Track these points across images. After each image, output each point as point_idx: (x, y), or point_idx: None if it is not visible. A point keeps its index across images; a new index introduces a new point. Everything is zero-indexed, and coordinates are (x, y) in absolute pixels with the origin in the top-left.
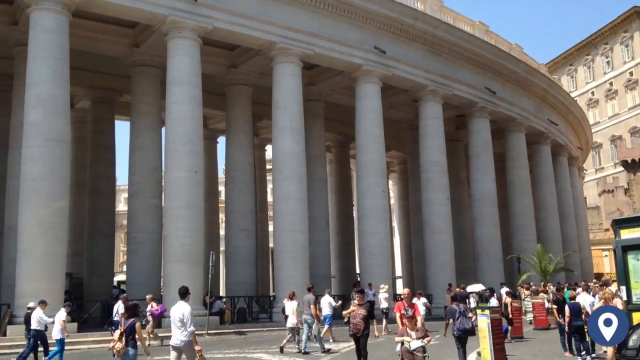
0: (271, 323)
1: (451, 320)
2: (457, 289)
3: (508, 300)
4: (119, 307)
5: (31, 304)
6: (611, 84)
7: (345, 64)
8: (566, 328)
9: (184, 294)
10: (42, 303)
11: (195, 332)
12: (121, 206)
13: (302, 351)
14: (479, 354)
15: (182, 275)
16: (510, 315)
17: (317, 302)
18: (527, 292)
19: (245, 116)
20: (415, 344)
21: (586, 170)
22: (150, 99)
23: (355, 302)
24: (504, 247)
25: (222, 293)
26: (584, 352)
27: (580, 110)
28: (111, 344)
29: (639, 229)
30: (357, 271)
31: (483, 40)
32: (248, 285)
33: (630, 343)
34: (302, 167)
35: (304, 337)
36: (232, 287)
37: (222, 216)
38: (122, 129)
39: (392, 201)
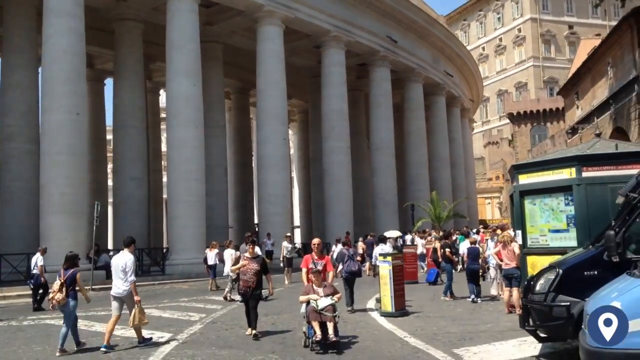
0: (163, 276)
1: (340, 263)
2: (368, 236)
3: (437, 244)
4: (37, 260)
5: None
6: (501, 39)
7: (246, 3)
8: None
9: (128, 243)
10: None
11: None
12: None
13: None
14: (377, 300)
15: (63, 227)
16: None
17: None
18: (429, 238)
19: (136, 55)
20: (323, 302)
21: (475, 122)
22: (25, 31)
23: (247, 255)
24: (399, 196)
25: (110, 246)
26: (473, 296)
27: (474, 63)
28: (50, 295)
29: (536, 174)
30: (256, 221)
31: None
32: (139, 237)
33: (537, 287)
34: (198, 112)
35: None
36: (121, 239)
37: (111, 165)
38: None
39: (292, 151)
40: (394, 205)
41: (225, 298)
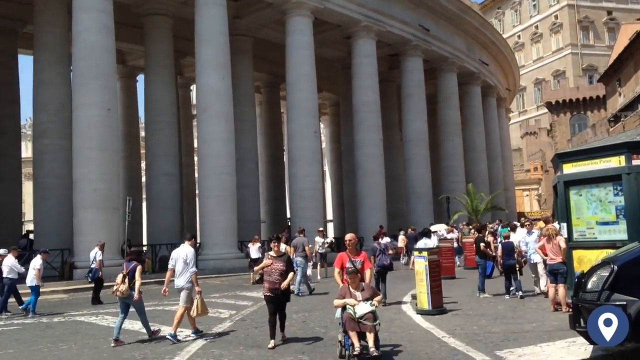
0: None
1: (372, 256)
2: (409, 230)
3: (490, 238)
4: (95, 254)
5: (1, 251)
6: (537, 27)
7: None
8: (499, 267)
9: (190, 237)
10: (14, 250)
11: (112, 284)
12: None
13: (296, 293)
14: (413, 297)
15: (95, 222)
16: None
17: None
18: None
19: (166, 50)
20: (361, 308)
21: (512, 112)
22: (56, 28)
23: (271, 253)
24: (433, 189)
25: (145, 241)
26: (513, 289)
27: (510, 51)
28: (114, 287)
29: (582, 163)
30: (288, 215)
31: None
32: (172, 232)
33: (589, 285)
34: (228, 106)
35: (297, 278)
36: (155, 234)
37: (144, 162)
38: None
39: (324, 145)
40: (428, 197)
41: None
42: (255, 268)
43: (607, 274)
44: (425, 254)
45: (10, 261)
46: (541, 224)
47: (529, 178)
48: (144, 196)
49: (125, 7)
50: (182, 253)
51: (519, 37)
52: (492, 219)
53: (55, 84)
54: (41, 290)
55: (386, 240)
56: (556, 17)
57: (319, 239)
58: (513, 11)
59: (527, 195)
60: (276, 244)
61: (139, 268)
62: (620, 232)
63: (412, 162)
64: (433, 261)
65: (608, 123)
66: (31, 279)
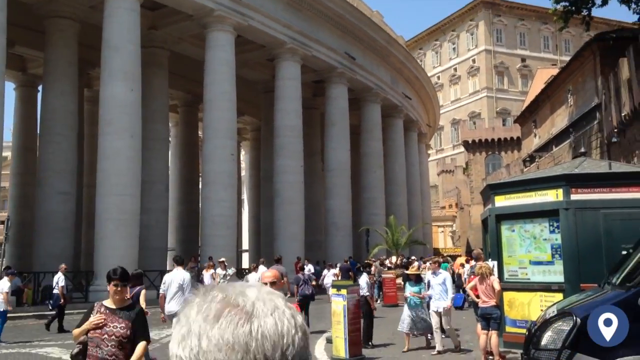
0: (86, 304)
1: (295, 286)
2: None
3: (460, 268)
4: (58, 279)
5: None
6: (455, 69)
7: (195, 5)
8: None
9: (182, 261)
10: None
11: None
12: None
13: None
14: (328, 340)
15: None
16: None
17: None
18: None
19: (69, 57)
20: None
21: (431, 149)
22: None
23: (106, 303)
24: (353, 220)
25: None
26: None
27: (432, 88)
28: None
29: (515, 195)
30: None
31: (346, 0)
32: (63, 258)
33: (544, 341)
34: (136, 120)
35: None
36: (43, 260)
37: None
38: None
39: (244, 172)
40: (348, 229)
41: None
42: (74, 331)
43: (568, 328)
44: (344, 292)
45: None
46: (460, 260)
47: (444, 215)
48: None
49: (25, 7)
50: (178, 277)
51: (438, 77)
52: (411, 254)
53: None
54: None
55: (309, 268)
56: (474, 61)
57: (220, 272)
58: (434, 52)
59: (442, 231)
60: (116, 284)
61: (143, 292)
62: (555, 273)
63: (333, 192)
64: (352, 300)
65: (523, 163)
66: None
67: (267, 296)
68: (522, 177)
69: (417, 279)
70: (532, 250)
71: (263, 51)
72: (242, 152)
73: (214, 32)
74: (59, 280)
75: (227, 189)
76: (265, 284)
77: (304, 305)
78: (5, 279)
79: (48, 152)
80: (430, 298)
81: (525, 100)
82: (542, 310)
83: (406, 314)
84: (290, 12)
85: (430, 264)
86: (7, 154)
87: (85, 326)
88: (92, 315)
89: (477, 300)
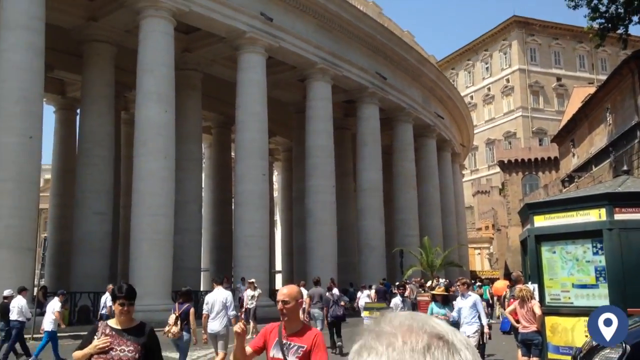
0: None
1: (325, 307)
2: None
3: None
4: (106, 299)
5: (6, 292)
6: (489, 89)
7: (227, 28)
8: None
9: (222, 280)
10: (24, 290)
11: None
12: None
13: None
14: None
15: (6, 264)
16: None
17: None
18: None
19: (106, 79)
20: None
21: (465, 169)
22: None
23: (111, 324)
24: (386, 242)
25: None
26: None
27: (465, 107)
28: (166, 328)
29: (556, 215)
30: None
31: (376, 21)
32: (98, 278)
33: None
34: (169, 142)
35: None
36: (79, 280)
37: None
38: None
39: (276, 194)
40: (381, 250)
41: None
42: (75, 354)
43: (617, 356)
44: (377, 314)
45: (19, 302)
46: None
47: (480, 237)
48: None
49: (64, 32)
50: (221, 297)
51: (471, 97)
52: (447, 276)
53: None
54: None
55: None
56: (508, 80)
57: (249, 292)
58: (466, 72)
59: (479, 254)
60: (121, 303)
61: (191, 310)
62: (600, 297)
63: (366, 213)
64: None
65: (561, 183)
66: (47, 323)
67: (452, 328)
68: (563, 196)
69: (444, 300)
70: (574, 272)
71: (294, 72)
72: (275, 173)
73: (246, 53)
74: (106, 300)
75: (259, 209)
76: (278, 301)
77: (334, 326)
78: (56, 298)
79: (85, 174)
80: (454, 320)
81: (562, 119)
82: (587, 336)
83: None
84: (321, 33)
85: (459, 285)
86: (48, 176)
87: (88, 350)
88: (95, 337)
89: (516, 325)
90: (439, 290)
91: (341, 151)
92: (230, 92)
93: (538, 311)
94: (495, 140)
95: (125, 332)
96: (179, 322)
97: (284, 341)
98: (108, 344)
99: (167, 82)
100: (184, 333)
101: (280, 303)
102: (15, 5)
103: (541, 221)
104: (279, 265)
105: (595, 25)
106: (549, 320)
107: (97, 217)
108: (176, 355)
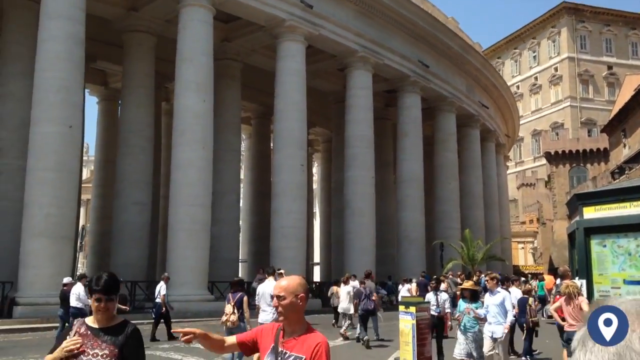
0: None
1: (357, 300)
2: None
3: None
4: (160, 288)
5: (66, 280)
6: (536, 78)
7: (267, 16)
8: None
9: (272, 272)
10: (84, 278)
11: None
12: None
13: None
14: None
15: (45, 253)
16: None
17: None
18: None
19: (146, 69)
20: None
21: (510, 160)
22: (24, 38)
23: (88, 321)
24: (426, 234)
25: None
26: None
27: (511, 96)
28: (224, 317)
29: (608, 206)
30: None
31: (419, 7)
32: (137, 267)
33: None
34: (208, 131)
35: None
36: (119, 269)
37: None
38: None
39: (315, 185)
40: (421, 243)
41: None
42: (46, 358)
43: None
44: (413, 309)
45: (78, 289)
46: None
47: (524, 230)
48: None
49: (106, 22)
50: (270, 288)
51: (517, 87)
52: (488, 270)
53: (17, 98)
54: None
55: (355, 284)
56: (556, 69)
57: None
58: (513, 61)
59: (522, 248)
60: (99, 298)
61: (245, 298)
62: None
63: (406, 204)
64: (422, 319)
65: (611, 175)
66: None
67: None
68: (615, 186)
69: (473, 296)
70: (626, 268)
71: (334, 61)
72: (315, 164)
73: (285, 42)
74: (160, 289)
75: (297, 200)
76: (272, 297)
77: (365, 318)
78: (162, 282)
79: (125, 164)
80: (483, 316)
81: (612, 109)
82: None
83: (461, 338)
84: (361, 20)
85: (487, 280)
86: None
87: (56, 353)
88: (69, 336)
89: (562, 323)
90: (467, 285)
91: (381, 142)
92: (270, 82)
93: (586, 308)
94: (542, 131)
95: (102, 332)
96: (236, 311)
97: (280, 349)
98: (78, 345)
99: (206, 72)
100: (240, 322)
101: (275, 299)
102: None
103: (591, 213)
104: (317, 258)
105: None
106: None
107: (136, 207)
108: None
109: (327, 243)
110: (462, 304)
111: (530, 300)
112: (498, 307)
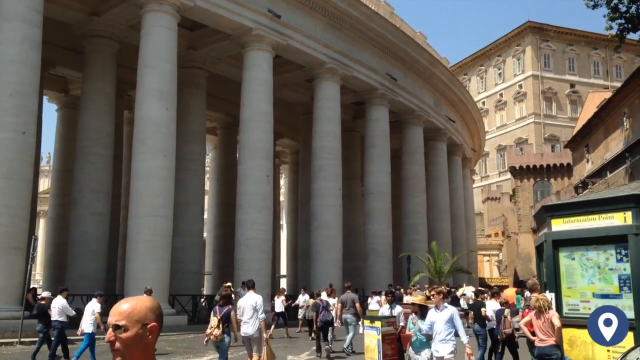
0: None
1: (315, 312)
2: (399, 291)
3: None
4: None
5: (45, 294)
6: (501, 95)
7: (233, 25)
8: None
9: (252, 285)
10: (65, 291)
11: (5, 341)
12: None
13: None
14: None
15: None
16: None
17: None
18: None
19: (107, 76)
20: None
21: (476, 174)
22: None
23: None
24: (393, 247)
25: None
26: None
27: (477, 111)
28: (208, 331)
29: (576, 218)
30: None
31: (387, 21)
32: (94, 280)
33: None
34: (170, 140)
35: (350, 335)
36: (74, 282)
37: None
38: None
39: (282, 197)
40: (388, 255)
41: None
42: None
43: None
44: (378, 324)
45: (60, 302)
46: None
47: (489, 243)
48: None
49: (66, 27)
50: (251, 301)
51: (483, 103)
52: (455, 283)
53: None
54: None
55: (304, 298)
56: (520, 86)
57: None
58: (479, 78)
59: (488, 260)
60: None
61: (232, 313)
62: (624, 308)
63: (373, 217)
64: (388, 334)
65: (574, 190)
66: (87, 325)
67: None
68: (585, 198)
69: (423, 312)
70: (595, 281)
71: (302, 72)
72: (282, 176)
73: (252, 51)
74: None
75: (262, 211)
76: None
77: (324, 330)
78: (94, 300)
79: (83, 173)
80: (426, 333)
81: (575, 126)
82: (608, 350)
83: (414, 357)
84: (330, 32)
85: (433, 295)
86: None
87: None
88: None
89: (532, 338)
90: (415, 299)
91: (349, 154)
92: (237, 92)
93: (557, 323)
94: (507, 147)
95: None
96: (221, 325)
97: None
98: None
99: (169, 79)
100: (225, 336)
101: (109, 330)
102: None
103: (559, 225)
104: (284, 270)
105: (615, 25)
106: (567, 333)
107: (94, 218)
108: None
109: (294, 255)
110: (410, 321)
111: (507, 311)
112: (445, 325)
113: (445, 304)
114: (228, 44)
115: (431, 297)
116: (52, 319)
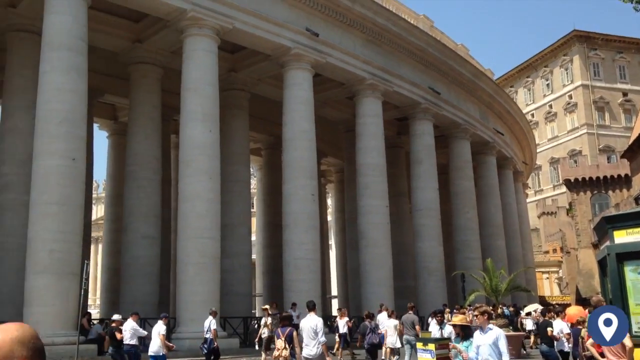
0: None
1: (360, 335)
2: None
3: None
4: (210, 323)
5: (115, 317)
6: (551, 106)
7: (272, 45)
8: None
9: (313, 306)
10: (135, 315)
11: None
12: None
13: None
14: None
15: (48, 290)
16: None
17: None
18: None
19: (153, 101)
20: None
21: (529, 188)
22: (27, 70)
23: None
24: (446, 265)
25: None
26: None
27: (526, 122)
28: (276, 352)
29: None
30: None
31: (428, 34)
32: (148, 304)
33: None
34: (214, 162)
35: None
36: (128, 306)
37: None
38: None
39: (330, 217)
40: (440, 274)
41: None
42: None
43: None
44: (432, 346)
45: (130, 325)
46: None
47: (548, 260)
48: None
49: (112, 55)
50: (311, 323)
51: (532, 115)
52: (513, 301)
53: (23, 132)
54: None
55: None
56: (570, 97)
57: (262, 320)
58: (526, 90)
59: (547, 278)
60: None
61: (294, 333)
62: None
63: (423, 234)
64: (443, 358)
65: (635, 201)
66: (156, 347)
67: None
68: None
69: (465, 333)
70: None
71: (343, 89)
72: (329, 195)
73: (292, 70)
74: (210, 323)
75: (309, 231)
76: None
77: (372, 353)
78: (160, 322)
79: (133, 197)
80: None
81: (630, 135)
82: None
83: None
84: (369, 48)
85: (477, 316)
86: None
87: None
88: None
89: (600, 359)
90: (456, 320)
91: (395, 171)
92: (279, 112)
93: (629, 343)
94: (560, 159)
95: None
96: (287, 346)
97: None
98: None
99: (211, 101)
100: (292, 358)
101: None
102: (58, 26)
103: (623, 237)
104: (334, 290)
105: None
106: (637, 354)
107: (145, 241)
108: None
109: (343, 275)
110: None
111: (583, 331)
112: (489, 348)
113: (490, 326)
114: (268, 65)
115: (475, 317)
116: (124, 342)
